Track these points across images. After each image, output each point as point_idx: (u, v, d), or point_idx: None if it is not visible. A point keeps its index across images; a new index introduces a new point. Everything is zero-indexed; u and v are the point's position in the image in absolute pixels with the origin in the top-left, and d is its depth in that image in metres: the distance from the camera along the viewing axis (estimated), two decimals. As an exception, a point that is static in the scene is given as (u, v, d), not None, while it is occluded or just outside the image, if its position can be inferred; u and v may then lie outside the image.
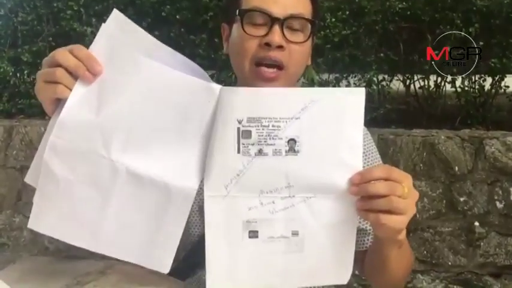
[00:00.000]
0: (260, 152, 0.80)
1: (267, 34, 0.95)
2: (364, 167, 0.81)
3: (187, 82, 0.83)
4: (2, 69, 3.50)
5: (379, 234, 0.83)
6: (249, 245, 0.82)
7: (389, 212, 0.75)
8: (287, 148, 0.79)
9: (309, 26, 0.99)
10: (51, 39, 3.52)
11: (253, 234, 0.82)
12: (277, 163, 0.80)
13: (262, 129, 0.80)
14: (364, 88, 0.79)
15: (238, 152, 0.81)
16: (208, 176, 0.82)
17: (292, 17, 0.96)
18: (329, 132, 0.80)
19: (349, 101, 0.80)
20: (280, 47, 0.95)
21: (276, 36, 0.94)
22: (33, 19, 3.53)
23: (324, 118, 0.79)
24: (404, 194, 0.76)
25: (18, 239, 3.25)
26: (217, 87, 0.83)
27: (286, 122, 0.79)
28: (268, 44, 0.95)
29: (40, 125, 3.17)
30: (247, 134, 0.80)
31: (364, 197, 0.78)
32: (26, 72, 3.65)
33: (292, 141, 0.79)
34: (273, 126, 0.79)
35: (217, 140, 0.81)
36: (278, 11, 0.95)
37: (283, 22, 0.95)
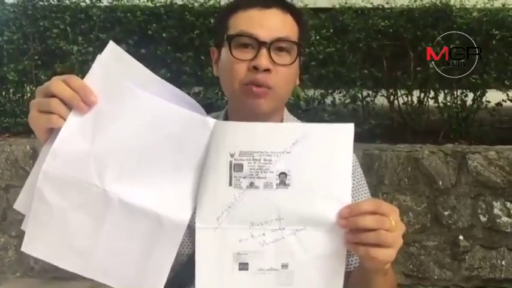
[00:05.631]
0: (251, 185, 0.81)
1: (254, 57, 0.97)
2: (352, 198, 0.82)
3: (182, 115, 0.84)
4: (-13, 88, 3.49)
5: (367, 266, 0.83)
6: (239, 277, 0.82)
7: (377, 245, 0.77)
8: (278, 181, 0.81)
9: (296, 48, 1.02)
10: (37, 57, 3.53)
11: (243, 266, 0.82)
12: (268, 196, 0.81)
13: (254, 162, 0.81)
14: (353, 124, 0.81)
15: (230, 184, 0.81)
16: (200, 207, 0.83)
17: (278, 40, 0.98)
18: (319, 166, 0.81)
19: (338, 136, 0.82)
20: (267, 70, 0.97)
21: (263, 60, 0.96)
22: (19, 38, 3.53)
23: (314, 152, 0.81)
24: (392, 227, 0.77)
25: (3, 259, 3.20)
26: (211, 121, 0.84)
27: (277, 156, 0.81)
28: (255, 68, 0.97)
29: (26, 143, 3.13)
30: (239, 167, 0.81)
31: (353, 230, 0.79)
32: (11, 90, 3.64)
33: (283, 175, 0.81)
34: (264, 160, 0.81)
35: (210, 172, 0.83)
36: (265, 35, 0.98)
37: (270, 45, 0.98)
